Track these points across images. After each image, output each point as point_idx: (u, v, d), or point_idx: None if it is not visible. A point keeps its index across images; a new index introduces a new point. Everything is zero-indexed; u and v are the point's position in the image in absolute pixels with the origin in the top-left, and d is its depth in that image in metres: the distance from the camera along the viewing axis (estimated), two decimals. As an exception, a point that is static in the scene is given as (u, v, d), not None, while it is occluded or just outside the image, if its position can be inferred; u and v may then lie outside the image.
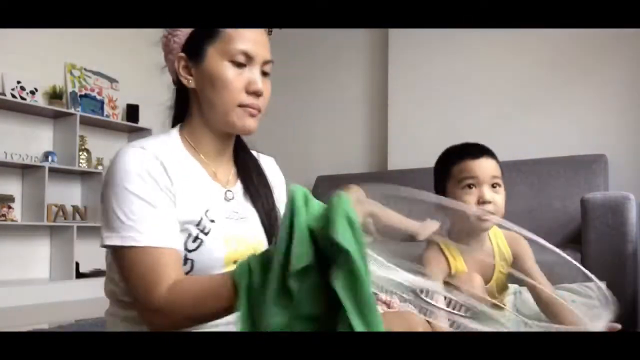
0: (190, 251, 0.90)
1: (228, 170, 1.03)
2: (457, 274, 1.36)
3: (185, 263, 0.89)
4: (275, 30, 1.02)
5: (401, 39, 3.61)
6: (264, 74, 0.96)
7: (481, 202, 1.31)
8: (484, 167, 1.32)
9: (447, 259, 1.38)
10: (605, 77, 2.88)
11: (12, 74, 3.45)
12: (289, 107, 4.14)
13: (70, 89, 3.72)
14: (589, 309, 1.76)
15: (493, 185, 1.33)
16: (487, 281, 1.37)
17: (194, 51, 0.93)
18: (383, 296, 2.10)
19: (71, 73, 3.76)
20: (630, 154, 2.78)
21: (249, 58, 0.93)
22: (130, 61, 4.05)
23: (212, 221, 0.92)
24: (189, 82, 0.95)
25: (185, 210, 0.90)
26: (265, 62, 0.95)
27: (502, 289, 1.43)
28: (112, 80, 3.99)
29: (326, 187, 3.65)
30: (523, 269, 1.37)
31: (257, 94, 0.93)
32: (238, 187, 1.02)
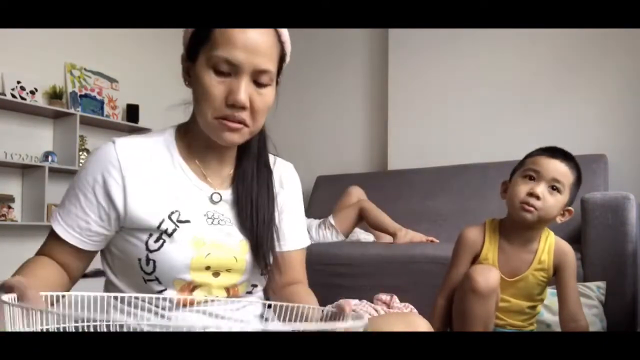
0: (152, 251, 0.88)
1: (224, 173, 0.99)
2: (482, 260, 1.43)
3: (147, 263, 0.88)
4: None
5: (401, 39, 3.61)
6: (259, 84, 0.87)
7: (529, 193, 1.36)
8: (551, 166, 1.37)
9: (484, 240, 1.44)
10: (606, 77, 2.88)
11: (12, 74, 3.45)
12: (289, 107, 4.14)
13: (70, 89, 3.72)
14: (589, 308, 1.76)
15: (553, 187, 1.37)
16: (514, 275, 1.41)
17: (190, 53, 0.91)
18: (383, 296, 2.11)
19: (71, 73, 3.75)
20: (630, 154, 2.78)
21: (234, 67, 0.85)
22: (130, 61, 4.05)
23: (187, 221, 0.90)
24: (187, 82, 0.94)
25: (147, 209, 0.89)
26: (259, 72, 0.86)
27: (531, 292, 1.43)
28: (112, 80, 3.99)
29: (326, 187, 3.65)
30: (560, 281, 1.42)
31: (236, 105, 0.85)
32: (229, 192, 0.98)
